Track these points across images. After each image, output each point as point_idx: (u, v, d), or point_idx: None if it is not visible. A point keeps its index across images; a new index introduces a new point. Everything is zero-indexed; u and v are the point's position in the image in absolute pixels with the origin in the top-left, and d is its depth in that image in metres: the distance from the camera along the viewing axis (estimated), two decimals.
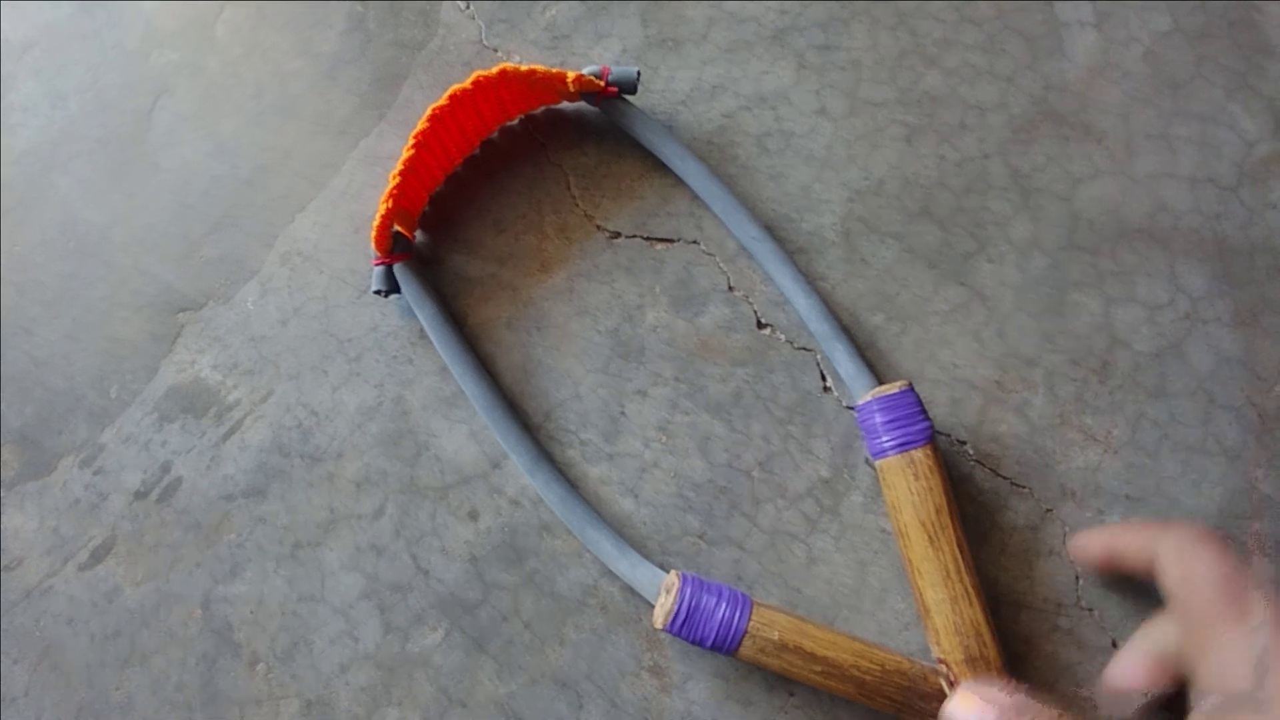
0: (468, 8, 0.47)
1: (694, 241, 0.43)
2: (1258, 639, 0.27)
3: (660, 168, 0.45)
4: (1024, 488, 0.40)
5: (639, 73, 0.42)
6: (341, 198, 0.45)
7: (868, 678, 0.34)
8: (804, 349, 0.42)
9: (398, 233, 0.41)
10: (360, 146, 0.46)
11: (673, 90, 0.46)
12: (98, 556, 0.40)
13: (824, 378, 0.42)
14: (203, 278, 0.44)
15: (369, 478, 0.40)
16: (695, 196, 0.44)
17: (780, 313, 0.43)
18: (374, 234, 0.39)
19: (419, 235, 0.43)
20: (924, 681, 0.35)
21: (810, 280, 0.43)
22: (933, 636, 0.35)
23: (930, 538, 0.35)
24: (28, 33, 0.47)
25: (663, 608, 0.35)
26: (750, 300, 0.43)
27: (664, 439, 0.41)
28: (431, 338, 0.40)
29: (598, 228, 0.44)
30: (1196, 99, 0.46)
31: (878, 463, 0.37)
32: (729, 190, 0.42)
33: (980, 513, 0.40)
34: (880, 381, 0.39)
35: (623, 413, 0.41)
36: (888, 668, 0.35)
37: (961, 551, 0.35)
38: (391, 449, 0.41)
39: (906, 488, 0.36)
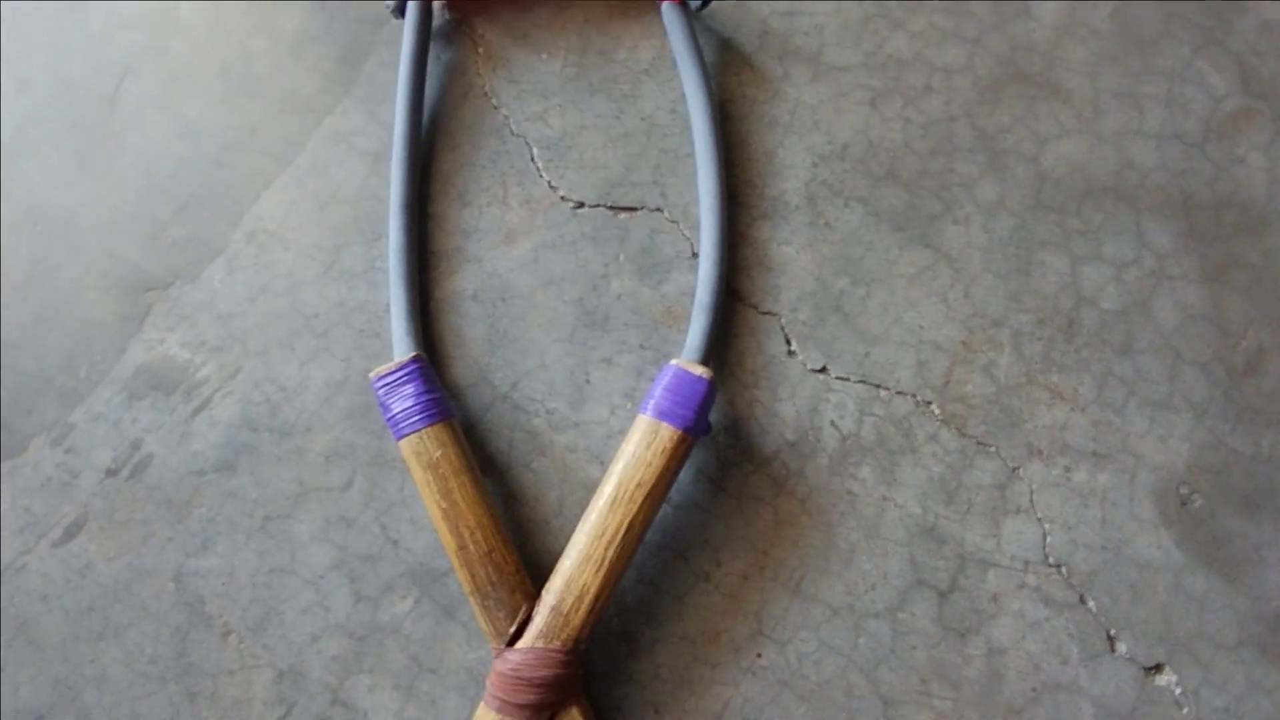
0: None
1: (658, 209, 0.43)
2: None
3: (624, 137, 0.45)
4: (990, 447, 0.40)
5: None
6: (307, 175, 0.45)
7: (471, 546, 0.36)
8: (769, 314, 0.42)
9: None
10: (325, 124, 0.46)
11: (636, 59, 0.46)
12: (70, 534, 0.40)
13: (788, 342, 0.42)
14: (170, 257, 0.44)
15: (338, 451, 0.41)
16: (659, 165, 0.44)
17: (745, 278, 0.43)
18: None
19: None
20: (509, 590, 0.35)
21: (768, 248, 0.43)
22: (551, 580, 0.36)
23: (615, 498, 0.35)
24: None
25: (386, 367, 0.38)
26: None
27: (630, 406, 0.41)
28: (399, 76, 0.43)
29: (562, 198, 0.44)
30: (1164, 56, 0.46)
31: (638, 414, 0.37)
32: (718, 138, 0.42)
33: (946, 473, 0.40)
34: (704, 364, 0.38)
35: (588, 381, 0.41)
36: (494, 557, 0.36)
37: (627, 533, 0.35)
38: (360, 422, 0.41)
39: (635, 449, 0.36)
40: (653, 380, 0.41)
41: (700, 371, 0.37)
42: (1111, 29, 0.47)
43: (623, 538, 0.35)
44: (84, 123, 0.46)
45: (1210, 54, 0.46)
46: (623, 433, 0.40)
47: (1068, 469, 0.40)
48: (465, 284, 0.43)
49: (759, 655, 0.38)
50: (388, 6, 0.44)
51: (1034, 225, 0.44)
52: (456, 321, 0.42)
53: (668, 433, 0.36)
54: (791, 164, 0.44)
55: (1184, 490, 0.40)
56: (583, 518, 0.36)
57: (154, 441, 0.41)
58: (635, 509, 0.35)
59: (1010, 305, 0.42)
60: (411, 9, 0.44)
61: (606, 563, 0.35)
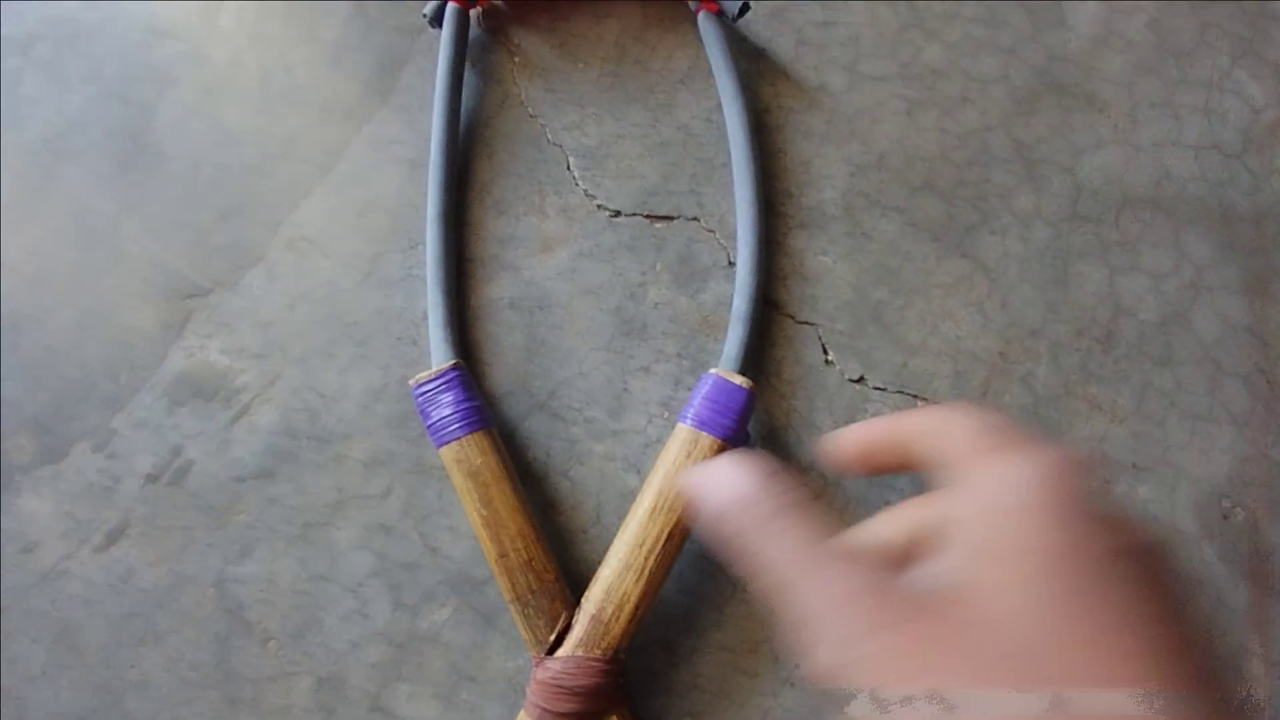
0: None
1: (694, 218, 0.44)
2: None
3: (661, 146, 0.45)
4: None
5: (747, 4, 0.43)
6: (346, 183, 0.45)
7: (512, 554, 0.36)
8: (806, 323, 0.42)
9: None
10: (364, 132, 0.46)
11: (672, 69, 0.46)
12: (112, 539, 0.40)
13: (826, 352, 0.42)
14: (211, 265, 0.44)
15: (377, 458, 0.41)
16: (696, 174, 0.44)
17: (782, 288, 0.43)
18: None
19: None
20: (549, 598, 0.36)
21: (805, 258, 0.43)
22: (591, 589, 0.36)
23: (655, 507, 0.36)
24: (33, 27, 0.48)
25: (426, 374, 0.38)
26: None
27: (667, 415, 0.41)
28: (436, 85, 0.43)
29: (598, 207, 0.44)
30: (1201, 66, 0.46)
31: (677, 423, 0.37)
32: (755, 147, 0.42)
33: None
34: (741, 373, 0.38)
35: (626, 389, 0.41)
36: (534, 565, 0.36)
37: (667, 542, 0.35)
38: (399, 430, 0.41)
39: (675, 458, 0.36)
40: (691, 389, 0.41)
41: (740, 381, 0.37)
42: (1148, 39, 0.47)
43: (663, 546, 0.35)
44: (126, 131, 0.46)
45: (1248, 64, 0.46)
46: (660, 441, 0.41)
47: (1107, 481, 0.40)
48: (502, 292, 0.43)
49: (799, 666, 0.38)
50: (424, 16, 0.45)
51: (1071, 236, 0.43)
52: (494, 329, 0.42)
53: (707, 442, 0.36)
54: (828, 174, 0.44)
55: (1226, 503, 0.39)
56: (622, 526, 0.36)
57: (194, 448, 0.41)
58: (675, 518, 0.35)
59: (1048, 316, 0.42)
60: (448, 18, 0.44)
61: (646, 571, 0.35)
